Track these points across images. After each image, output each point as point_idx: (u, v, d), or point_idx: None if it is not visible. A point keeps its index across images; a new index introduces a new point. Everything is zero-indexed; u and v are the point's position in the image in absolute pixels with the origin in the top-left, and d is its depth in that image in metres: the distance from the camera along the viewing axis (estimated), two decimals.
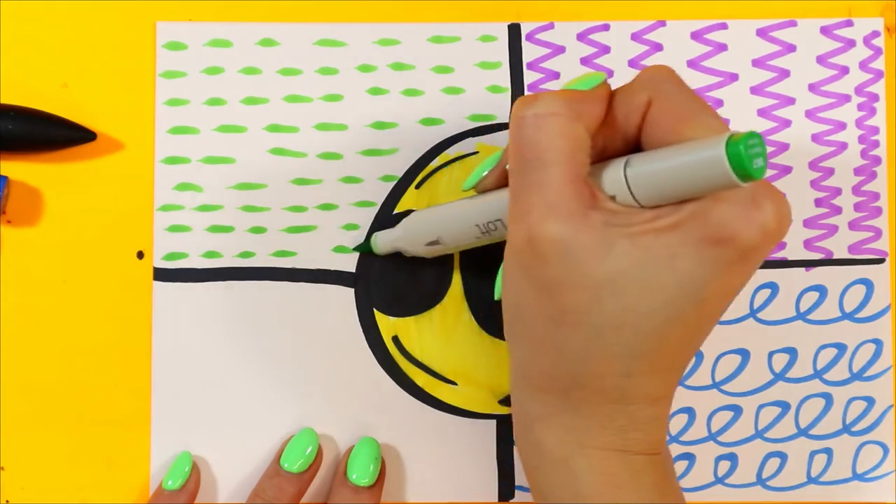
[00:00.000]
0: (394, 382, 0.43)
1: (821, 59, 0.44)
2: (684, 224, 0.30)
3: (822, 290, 0.44)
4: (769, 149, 0.44)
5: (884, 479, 0.44)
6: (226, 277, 0.43)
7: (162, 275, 0.43)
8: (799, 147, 0.44)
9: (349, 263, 0.43)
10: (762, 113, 0.44)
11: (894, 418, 0.44)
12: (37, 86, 0.43)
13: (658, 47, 0.44)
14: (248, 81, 0.43)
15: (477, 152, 0.43)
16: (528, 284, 0.32)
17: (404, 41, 0.43)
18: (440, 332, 0.43)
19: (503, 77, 0.44)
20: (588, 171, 0.32)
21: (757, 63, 0.44)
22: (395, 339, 0.43)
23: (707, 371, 0.44)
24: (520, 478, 0.43)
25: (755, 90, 0.44)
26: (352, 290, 0.43)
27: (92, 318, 0.42)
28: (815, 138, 0.44)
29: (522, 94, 0.44)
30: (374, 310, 0.43)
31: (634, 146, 0.33)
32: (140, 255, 0.43)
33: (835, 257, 0.44)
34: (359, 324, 0.43)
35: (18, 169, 0.42)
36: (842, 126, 0.44)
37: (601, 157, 0.33)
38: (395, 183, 0.43)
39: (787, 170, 0.44)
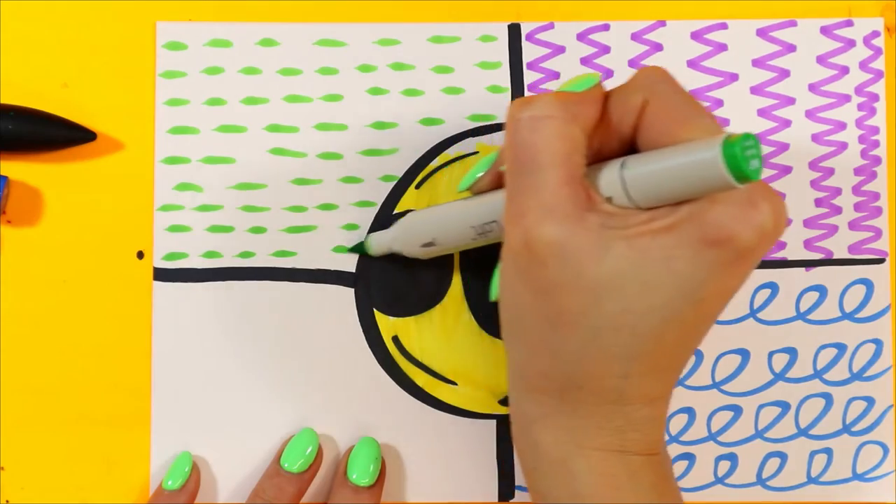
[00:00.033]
0: (394, 382, 0.43)
1: (821, 59, 0.44)
2: (681, 225, 0.30)
3: (822, 290, 0.44)
4: (769, 149, 0.44)
5: (884, 479, 0.44)
6: (226, 277, 0.43)
7: (162, 275, 0.43)
8: (799, 147, 0.44)
9: (349, 263, 0.43)
10: (762, 113, 0.44)
11: (894, 418, 0.44)
12: (37, 86, 0.43)
13: (658, 47, 0.44)
14: (248, 81, 0.43)
15: (477, 152, 0.43)
16: (526, 287, 0.32)
17: (404, 41, 0.43)
18: (440, 332, 0.43)
19: (503, 77, 0.44)
20: (584, 172, 0.32)
21: (757, 63, 0.44)
22: (395, 339, 0.43)
23: (707, 371, 0.44)
24: (520, 478, 0.43)
25: (755, 90, 0.44)
26: (352, 290, 0.43)
27: (92, 318, 0.42)
28: (815, 138, 0.44)
29: (522, 94, 0.44)
30: (374, 310, 0.43)
31: (630, 147, 0.33)
32: (140, 255, 0.43)
33: (835, 257, 0.44)
34: (359, 324, 0.43)
35: (18, 169, 0.42)
36: (842, 126, 0.44)
37: (597, 158, 0.33)
38: (395, 183, 0.43)
39: (787, 170, 0.44)
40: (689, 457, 0.44)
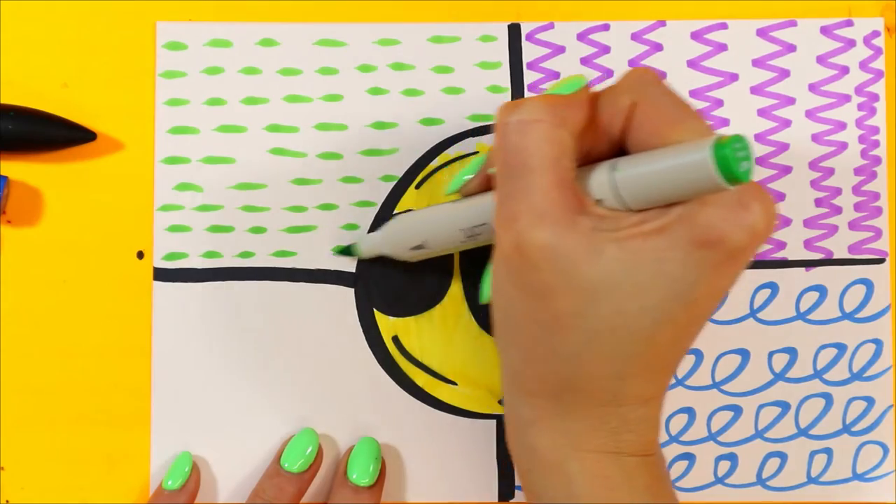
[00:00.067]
0: (394, 382, 0.43)
1: (821, 59, 0.44)
2: (672, 227, 0.30)
3: (822, 290, 0.44)
4: (769, 149, 0.44)
5: (884, 479, 0.44)
6: (226, 277, 0.43)
7: (162, 275, 0.43)
8: (799, 147, 0.44)
9: (349, 263, 0.43)
10: (762, 113, 0.44)
11: (894, 418, 0.44)
12: (37, 86, 0.43)
13: (658, 47, 0.44)
14: (248, 81, 0.43)
15: (477, 152, 0.43)
16: (518, 290, 0.32)
17: (404, 41, 0.43)
18: (440, 332, 0.43)
19: (503, 77, 0.44)
20: (574, 175, 0.32)
21: (757, 63, 0.44)
22: (395, 339, 0.43)
23: (707, 371, 0.44)
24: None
25: (755, 90, 0.44)
26: (352, 290, 0.43)
27: (92, 318, 0.42)
28: (815, 138, 0.44)
29: (522, 94, 0.44)
30: (374, 310, 0.43)
31: (619, 149, 0.33)
32: (140, 255, 0.43)
33: (835, 257, 0.44)
34: (359, 324, 0.43)
35: (18, 169, 0.42)
36: (842, 126, 0.44)
37: (586, 160, 0.33)
38: (395, 183, 0.43)
39: (787, 170, 0.44)
40: (689, 457, 0.44)
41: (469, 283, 0.43)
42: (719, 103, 0.44)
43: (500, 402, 0.43)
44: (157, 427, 0.42)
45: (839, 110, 0.44)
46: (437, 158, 0.43)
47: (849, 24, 0.44)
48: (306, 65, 0.43)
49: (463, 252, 0.42)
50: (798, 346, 0.44)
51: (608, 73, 0.44)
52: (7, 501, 0.42)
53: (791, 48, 0.44)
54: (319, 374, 0.43)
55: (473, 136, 0.43)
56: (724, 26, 0.44)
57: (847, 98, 0.44)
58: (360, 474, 0.41)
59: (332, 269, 0.43)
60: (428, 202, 0.43)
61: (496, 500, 0.43)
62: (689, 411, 0.44)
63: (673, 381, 0.44)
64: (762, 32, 0.44)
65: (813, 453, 0.44)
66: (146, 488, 0.42)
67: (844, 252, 0.44)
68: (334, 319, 0.43)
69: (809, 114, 0.44)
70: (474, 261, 0.43)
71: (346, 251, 0.43)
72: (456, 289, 0.43)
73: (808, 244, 0.44)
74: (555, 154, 0.31)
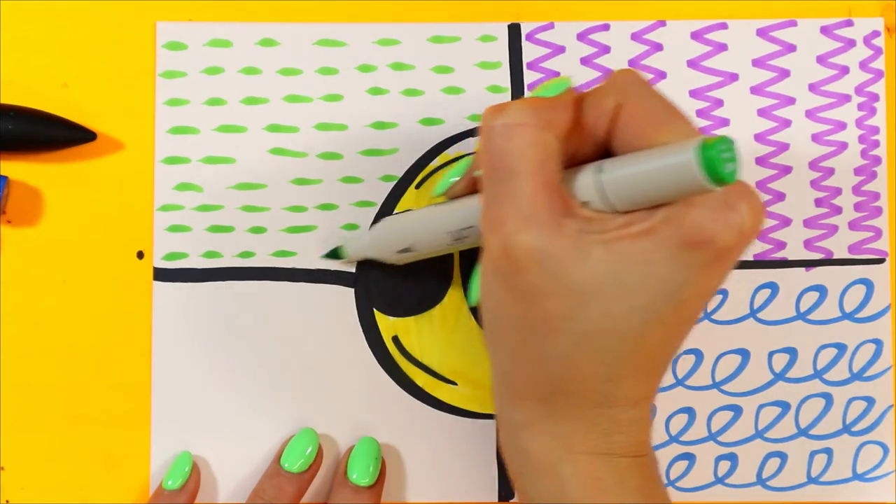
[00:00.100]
0: (394, 382, 0.43)
1: (821, 59, 0.44)
2: (659, 229, 0.30)
3: (822, 290, 0.44)
4: (769, 149, 0.44)
5: (884, 479, 0.44)
6: (226, 277, 0.43)
7: (162, 275, 0.43)
8: (799, 147, 0.44)
9: (349, 263, 0.43)
10: (762, 113, 0.44)
11: (894, 418, 0.44)
12: (37, 86, 0.43)
13: (658, 47, 0.44)
14: (248, 81, 0.43)
15: (477, 152, 0.43)
16: (507, 294, 0.32)
17: (404, 41, 0.43)
18: (440, 332, 0.43)
19: (503, 77, 0.44)
20: (559, 178, 0.32)
21: (757, 63, 0.44)
22: (395, 339, 0.43)
23: (707, 371, 0.44)
24: None
25: (755, 90, 0.44)
26: (352, 290, 0.43)
27: (92, 318, 0.42)
28: (815, 138, 0.44)
29: (522, 94, 0.44)
30: (374, 310, 0.43)
31: (604, 150, 0.33)
32: (140, 255, 0.43)
33: (835, 257, 0.44)
34: (359, 324, 0.43)
35: (18, 169, 0.42)
36: (842, 126, 0.44)
37: (571, 162, 0.33)
38: (395, 183, 0.43)
39: (787, 170, 0.44)
40: (689, 457, 0.44)
41: (469, 283, 0.43)
42: (719, 103, 0.44)
43: None
44: (157, 427, 0.42)
45: (839, 110, 0.44)
46: (437, 158, 0.43)
47: (849, 24, 0.44)
48: (306, 65, 0.43)
49: (463, 252, 0.42)
50: (798, 346, 0.44)
51: (608, 73, 0.44)
52: (7, 501, 0.42)
53: (791, 48, 0.44)
54: (319, 374, 0.43)
55: (473, 136, 0.43)
56: (724, 26, 0.44)
57: (847, 98, 0.44)
58: (360, 474, 0.41)
59: (332, 269, 0.43)
60: (428, 202, 0.43)
61: (496, 500, 0.43)
62: (689, 411, 0.44)
63: (673, 381, 0.44)
64: (762, 32, 0.44)
65: (813, 453, 0.44)
66: (146, 488, 0.42)
67: (844, 252, 0.44)
68: (334, 319, 0.43)
69: (809, 114, 0.44)
70: (474, 261, 0.43)
71: (333, 254, 0.43)
72: (456, 289, 0.43)
73: (808, 244, 0.44)
74: (540, 157, 0.31)
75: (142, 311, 0.42)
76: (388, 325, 0.43)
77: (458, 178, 0.37)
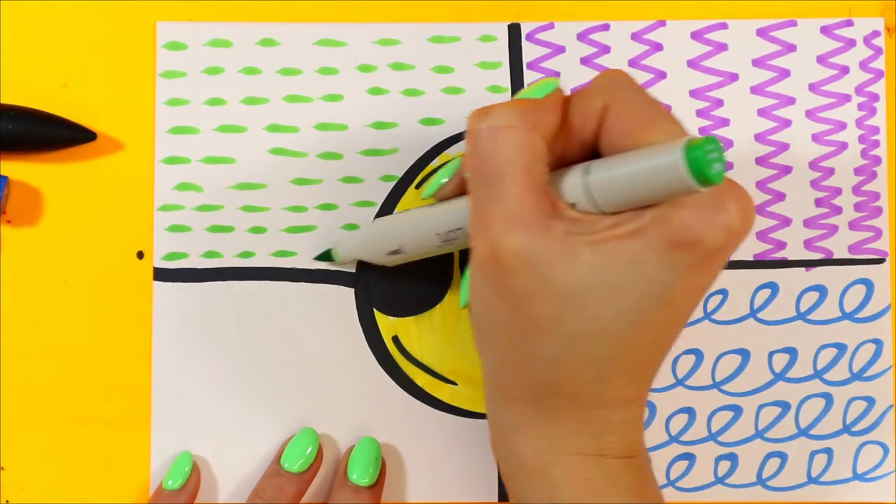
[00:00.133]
0: (394, 382, 0.43)
1: (821, 59, 0.44)
2: (647, 229, 0.30)
3: (822, 290, 0.44)
4: (769, 149, 0.44)
5: (884, 479, 0.44)
6: (226, 277, 0.43)
7: (162, 275, 0.43)
8: (799, 147, 0.44)
9: (349, 263, 0.43)
10: (762, 113, 0.44)
11: (894, 418, 0.44)
12: (37, 86, 0.43)
13: (658, 47, 0.44)
14: (248, 81, 0.43)
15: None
16: (496, 296, 0.32)
17: (404, 41, 0.43)
18: (440, 332, 0.43)
19: (503, 77, 0.44)
20: (546, 180, 0.31)
21: (757, 63, 0.44)
22: (395, 339, 0.43)
23: (707, 371, 0.44)
24: None
25: (755, 90, 0.44)
26: (352, 290, 0.43)
27: (92, 318, 0.42)
28: (815, 138, 0.44)
29: None
30: (374, 310, 0.43)
31: (591, 152, 0.33)
32: (140, 255, 0.43)
33: (835, 257, 0.44)
34: (359, 324, 0.43)
35: (18, 169, 0.42)
36: (842, 126, 0.44)
37: (559, 163, 0.33)
38: (395, 183, 0.43)
39: (787, 170, 0.44)
40: (689, 457, 0.44)
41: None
42: (719, 103, 0.44)
43: None
44: (157, 427, 0.42)
45: (839, 110, 0.44)
46: (437, 158, 0.43)
47: (849, 24, 0.44)
48: (306, 65, 0.43)
49: (463, 252, 0.42)
50: (798, 346, 0.44)
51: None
52: (7, 501, 0.42)
53: (791, 48, 0.44)
54: (319, 374, 0.43)
55: None
56: (724, 26, 0.44)
57: (847, 98, 0.44)
58: (360, 474, 0.41)
59: (332, 269, 0.43)
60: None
61: (496, 500, 0.43)
62: (689, 411, 0.44)
63: (673, 381, 0.44)
64: (762, 32, 0.44)
65: (813, 453, 0.44)
66: (146, 488, 0.42)
67: (844, 252, 0.44)
68: (334, 319, 0.43)
69: (809, 114, 0.44)
70: None
71: (324, 256, 0.43)
72: (456, 289, 0.43)
73: (808, 244, 0.44)
74: (526, 160, 0.31)
75: (142, 311, 0.42)
76: (388, 325, 0.43)
77: (447, 180, 0.37)
